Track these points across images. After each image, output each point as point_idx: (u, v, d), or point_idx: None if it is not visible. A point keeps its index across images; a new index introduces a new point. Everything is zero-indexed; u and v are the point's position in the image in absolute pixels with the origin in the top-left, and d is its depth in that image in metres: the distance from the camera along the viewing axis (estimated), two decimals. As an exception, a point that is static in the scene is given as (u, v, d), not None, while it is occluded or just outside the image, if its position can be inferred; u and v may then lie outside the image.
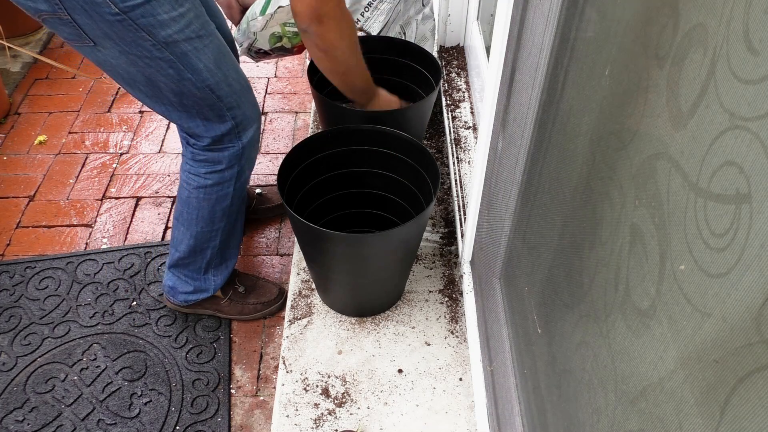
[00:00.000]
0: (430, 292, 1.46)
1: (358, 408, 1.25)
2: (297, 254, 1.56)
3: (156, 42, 1.06)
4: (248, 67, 2.47)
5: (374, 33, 1.61)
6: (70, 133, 2.20)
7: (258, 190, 1.87)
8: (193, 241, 1.41)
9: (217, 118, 1.22)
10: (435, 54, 1.98)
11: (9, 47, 2.38)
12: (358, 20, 1.59)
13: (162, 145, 2.15)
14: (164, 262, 1.73)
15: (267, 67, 2.49)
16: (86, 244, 1.81)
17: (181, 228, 1.41)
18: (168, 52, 1.08)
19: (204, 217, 1.37)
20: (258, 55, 1.52)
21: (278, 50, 1.52)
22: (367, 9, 1.58)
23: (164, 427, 1.39)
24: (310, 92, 2.14)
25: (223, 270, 1.51)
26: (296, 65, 2.50)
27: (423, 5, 1.67)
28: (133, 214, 1.90)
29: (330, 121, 1.47)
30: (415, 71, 1.60)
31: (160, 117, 2.26)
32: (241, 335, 1.58)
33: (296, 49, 1.54)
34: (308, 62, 1.54)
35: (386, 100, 1.40)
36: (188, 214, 1.37)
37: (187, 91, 1.15)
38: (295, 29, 1.45)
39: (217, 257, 1.47)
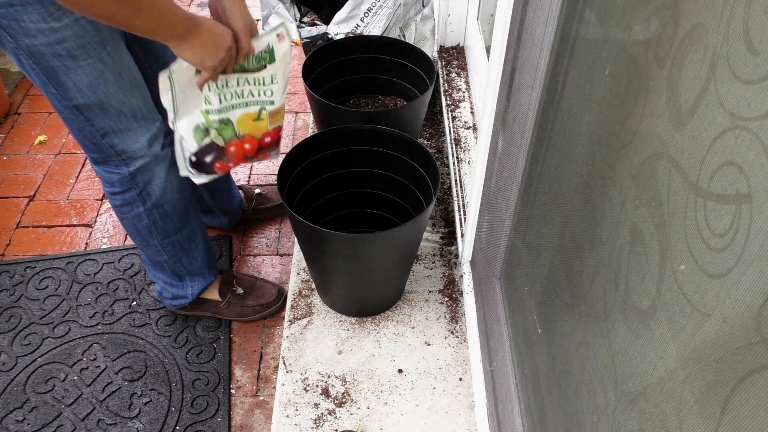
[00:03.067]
0: (430, 292, 1.46)
1: (358, 408, 1.25)
2: (297, 254, 1.56)
3: (18, 47, 0.99)
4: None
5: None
6: (70, 133, 2.19)
7: (257, 190, 1.87)
8: (143, 254, 1.41)
9: (90, 143, 1.14)
10: (435, 54, 1.99)
11: (9, 47, 2.37)
12: (358, 26, 1.59)
13: (162, 145, 2.15)
14: (164, 262, 1.73)
15: (267, 67, 2.49)
16: (86, 244, 1.81)
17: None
18: (32, 61, 1.00)
19: (133, 233, 1.34)
20: (193, 167, 1.19)
21: (211, 150, 1.19)
22: (366, 14, 1.58)
23: (164, 427, 1.39)
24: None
25: (198, 280, 1.50)
26: (296, 65, 2.50)
27: (423, 5, 1.68)
28: (133, 214, 1.90)
29: (325, 121, 1.48)
30: (411, 71, 1.61)
31: (160, 117, 2.26)
32: (241, 335, 1.58)
33: (234, 149, 1.19)
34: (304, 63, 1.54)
35: (212, 34, 1.04)
36: (124, 228, 1.37)
37: (55, 105, 1.08)
38: (221, 116, 1.15)
39: (181, 269, 1.44)
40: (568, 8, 0.80)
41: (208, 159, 1.19)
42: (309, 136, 1.34)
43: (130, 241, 1.81)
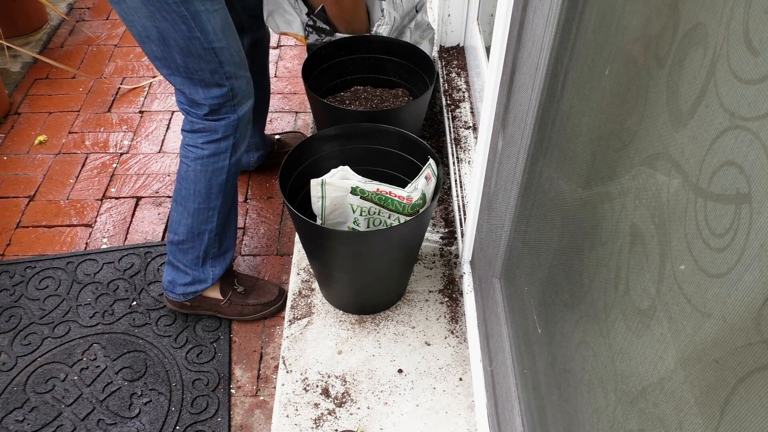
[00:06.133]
0: (430, 292, 1.46)
1: (358, 408, 1.25)
2: (297, 254, 1.56)
3: None
4: (248, 67, 2.47)
5: None
6: (70, 133, 2.20)
7: (277, 137, 2.03)
8: (191, 220, 1.43)
9: (216, 85, 1.28)
10: (435, 54, 1.99)
11: (9, 47, 2.38)
12: None
13: (162, 145, 2.15)
14: (164, 262, 1.73)
15: (267, 67, 2.49)
16: (86, 244, 1.81)
17: (179, 208, 1.43)
18: (184, 8, 1.16)
19: (201, 191, 1.40)
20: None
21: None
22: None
23: (164, 427, 1.39)
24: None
25: (220, 261, 1.51)
26: (296, 65, 2.51)
27: (416, 11, 1.67)
28: (133, 214, 1.90)
29: (325, 121, 1.47)
30: (411, 71, 1.61)
31: (160, 117, 2.26)
32: (241, 335, 1.58)
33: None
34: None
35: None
36: (186, 189, 1.40)
37: (195, 51, 1.22)
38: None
39: (215, 245, 1.48)
40: (568, 8, 0.80)
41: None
42: (309, 135, 1.34)
43: (130, 241, 1.81)
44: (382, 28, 1.57)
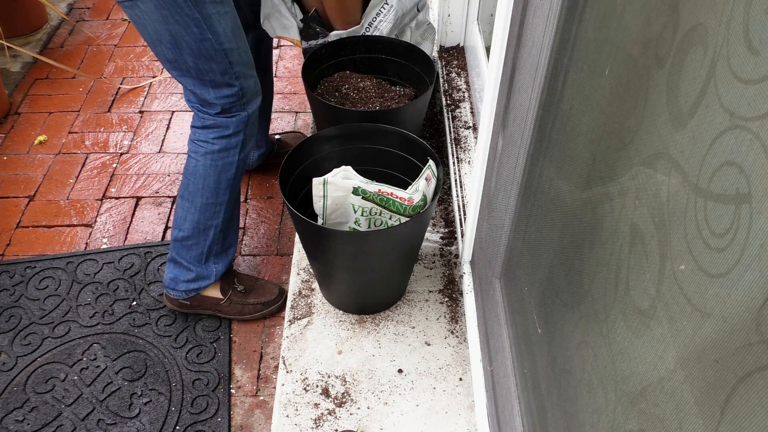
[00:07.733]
0: (430, 292, 1.46)
1: (358, 408, 1.25)
2: (297, 254, 1.56)
3: None
4: (248, 67, 2.48)
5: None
6: (70, 133, 2.20)
7: (277, 136, 2.04)
8: (197, 215, 1.44)
9: (227, 85, 1.31)
10: (435, 54, 1.99)
11: (9, 47, 2.38)
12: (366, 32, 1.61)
13: (162, 145, 2.15)
14: (164, 262, 1.73)
15: (267, 67, 2.49)
16: (86, 244, 1.81)
17: (186, 204, 1.44)
18: (196, 11, 1.19)
19: (209, 186, 1.41)
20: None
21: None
22: (367, 29, 1.59)
23: (164, 427, 1.39)
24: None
25: (223, 258, 1.52)
26: (296, 65, 2.51)
27: (417, 10, 1.67)
28: (133, 214, 1.90)
29: (325, 121, 1.48)
30: (411, 71, 1.61)
31: (160, 117, 2.26)
32: (241, 335, 1.58)
33: None
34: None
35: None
36: (194, 185, 1.41)
37: (206, 53, 1.25)
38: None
39: (219, 242, 1.49)
40: (568, 8, 0.80)
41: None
42: (309, 135, 1.34)
43: (130, 241, 1.81)
44: (384, 24, 1.57)
